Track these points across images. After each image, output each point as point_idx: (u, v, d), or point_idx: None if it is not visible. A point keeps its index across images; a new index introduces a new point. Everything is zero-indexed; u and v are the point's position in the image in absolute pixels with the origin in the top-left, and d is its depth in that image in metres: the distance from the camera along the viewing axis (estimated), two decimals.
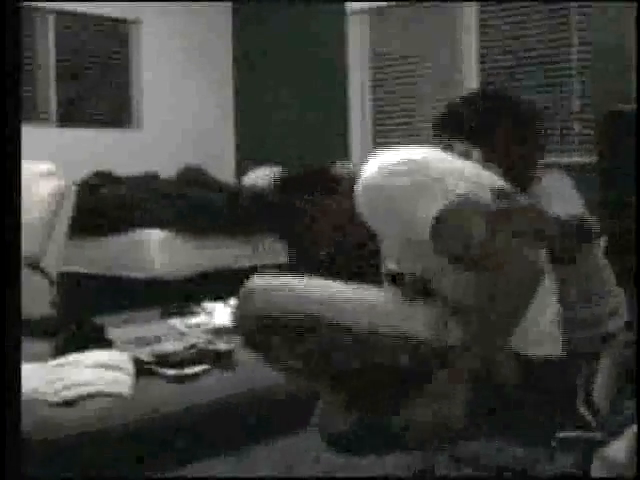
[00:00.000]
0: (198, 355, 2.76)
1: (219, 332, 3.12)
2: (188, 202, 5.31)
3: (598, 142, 4.94)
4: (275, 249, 5.23)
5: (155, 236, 5.16)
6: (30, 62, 6.11)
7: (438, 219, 1.84)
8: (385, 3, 6.33)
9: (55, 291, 3.99)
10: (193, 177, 5.86)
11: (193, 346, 2.79)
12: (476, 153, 2.14)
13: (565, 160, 5.27)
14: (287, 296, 1.96)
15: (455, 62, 6.08)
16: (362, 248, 2.14)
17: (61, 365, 2.65)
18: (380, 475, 2.32)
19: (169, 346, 2.81)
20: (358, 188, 1.99)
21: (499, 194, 1.96)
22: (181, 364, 2.69)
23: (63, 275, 4.36)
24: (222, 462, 2.49)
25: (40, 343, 2.99)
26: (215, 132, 7.08)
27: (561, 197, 2.32)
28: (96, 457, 2.33)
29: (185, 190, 5.50)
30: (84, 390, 2.45)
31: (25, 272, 3.40)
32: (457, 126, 2.40)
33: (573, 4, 5.53)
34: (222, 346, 2.83)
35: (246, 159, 6.95)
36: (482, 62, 5.97)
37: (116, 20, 6.58)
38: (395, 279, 2.05)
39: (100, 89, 6.58)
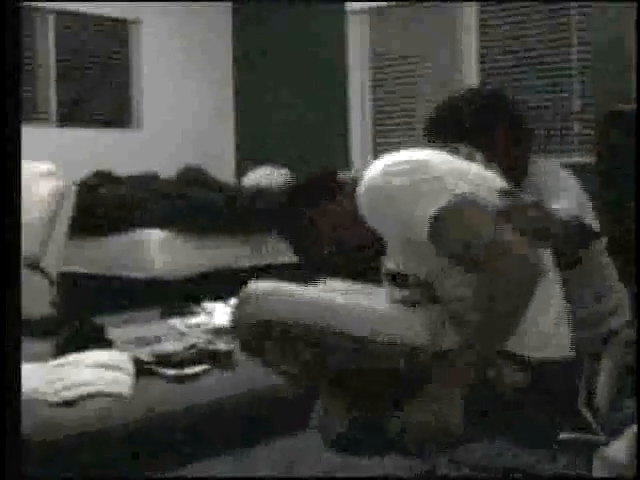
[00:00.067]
0: (198, 355, 2.76)
1: (219, 332, 3.12)
2: (188, 202, 5.30)
3: (598, 142, 4.93)
4: (275, 249, 5.23)
5: (155, 236, 5.16)
6: (30, 62, 6.11)
7: (436, 218, 1.84)
8: (385, 3, 6.33)
9: (55, 291, 3.99)
10: (193, 177, 5.86)
11: (193, 346, 2.79)
12: (480, 155, 2.14)
13: (565, 160, 5.27)
14: (284, 302, 1.95)
15: (455, 62, 6.08)
16: (364, 249, 2.13)
17: (61, 365, 2.65)
18: (380, 475, 2.32)
19: (169, 346, 2.81)
20: (360, 189, 1.99)
21: (506, 195, 1.96)
22: (181, 364, 2.69)
23: (63, 275, 4.36)
24: (222, 462, 2.49)
25: (40, 343, 2.98)
26: (215, 132, 7.08)
27: (555, 190, 2.30)
28: (96, 457, 2.32)
29: (185, 190, 5.50)
30: (84, 390, 2.44)
31: (25, 272, 3.41)
32: (447, 129, 2.39)
33: (573, 4, 5.54)
34: (222, 346, 2.82)
35: (246, 159, 6.95)
36: (482, 62, 5.98)
37: (116, 20, 6.58)
38: (395, 279, 2.05)
39: (100, 89, 6.58)
